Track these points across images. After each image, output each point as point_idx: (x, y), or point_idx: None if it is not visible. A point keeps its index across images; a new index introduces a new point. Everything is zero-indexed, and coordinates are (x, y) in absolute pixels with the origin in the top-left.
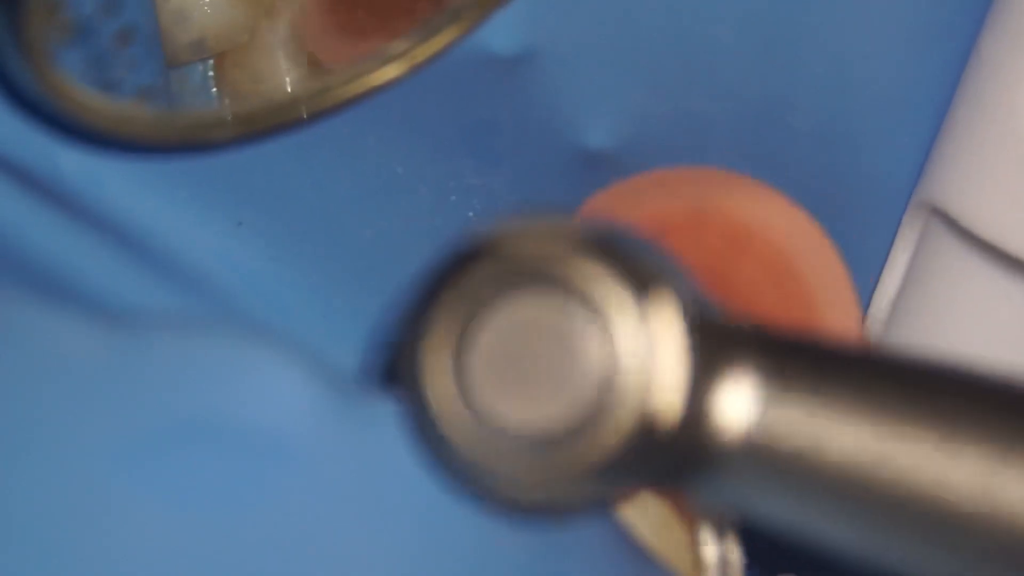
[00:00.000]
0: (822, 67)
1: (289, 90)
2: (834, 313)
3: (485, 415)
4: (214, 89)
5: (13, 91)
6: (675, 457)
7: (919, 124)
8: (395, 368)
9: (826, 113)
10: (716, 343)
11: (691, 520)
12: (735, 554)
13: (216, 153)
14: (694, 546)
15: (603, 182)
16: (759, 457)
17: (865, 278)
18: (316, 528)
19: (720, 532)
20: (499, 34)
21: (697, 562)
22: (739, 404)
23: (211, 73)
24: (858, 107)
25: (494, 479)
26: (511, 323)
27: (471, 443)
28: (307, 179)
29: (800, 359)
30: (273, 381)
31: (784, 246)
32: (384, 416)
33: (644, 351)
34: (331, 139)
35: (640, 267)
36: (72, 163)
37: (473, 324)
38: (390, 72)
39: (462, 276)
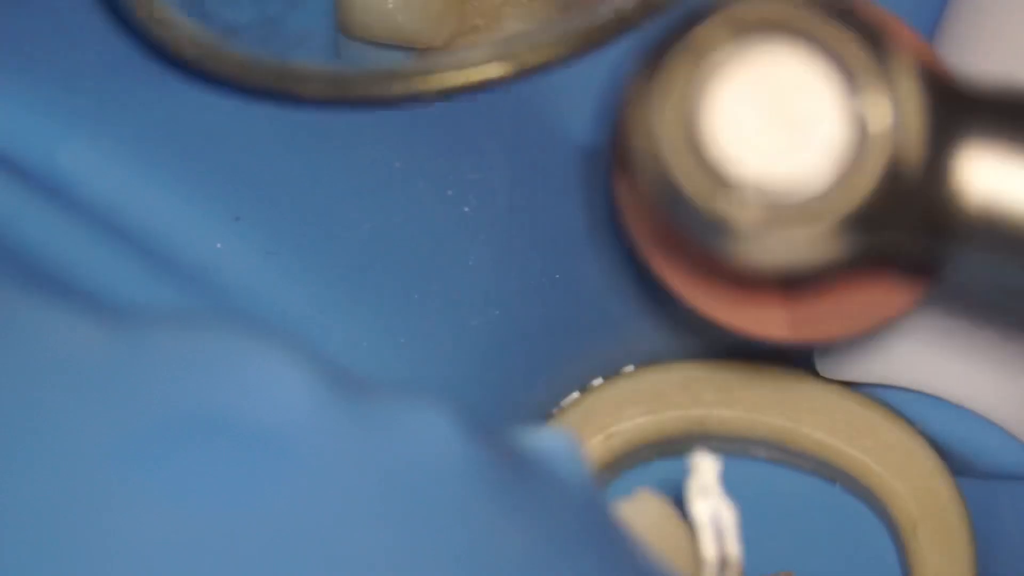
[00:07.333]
0: None
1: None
2: None
3: (727, 170)
4: None
5: (117, 15)
6: (918, 211)
7: None
8: (624, 132)
9: None
10: (951, 99)
11: (690, 519)
12: (735, 553)
13: (301, 107)
14: (694, 545)
15: (601, 179)
16: (1000, 216)
17: None
18: (318, 524)
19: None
20: None
21: (697, 561)
22: (978, 160)
23: None
24: None
25: (735, 237)
26: (749, 78)
27: (712, 199)
28: (305, 173)
29: None
30: (275, 377)
31: None
32: (387, 412)
33: (887, 102)
34: (330, 133)
35: (874, 28)
36: (69, 157)
37: (710, 79)
38: (491, 71)
39: (694, 33)
